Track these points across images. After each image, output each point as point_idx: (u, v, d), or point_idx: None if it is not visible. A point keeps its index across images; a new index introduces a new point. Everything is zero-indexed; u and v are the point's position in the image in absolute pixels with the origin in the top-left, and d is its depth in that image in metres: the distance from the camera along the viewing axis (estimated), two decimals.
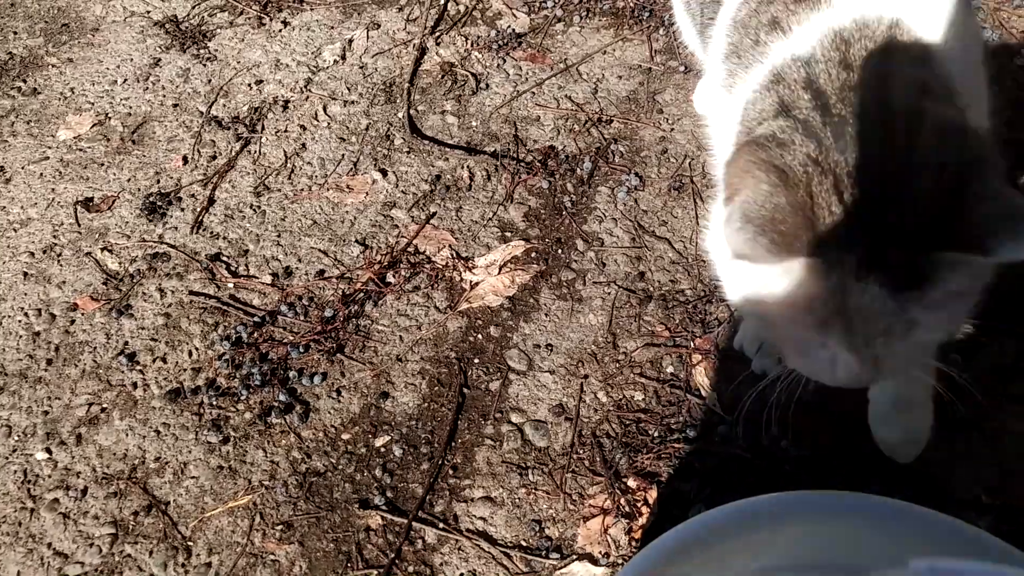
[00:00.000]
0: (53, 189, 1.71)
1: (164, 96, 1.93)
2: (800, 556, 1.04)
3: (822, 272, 0.82)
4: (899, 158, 0.81)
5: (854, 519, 1.05)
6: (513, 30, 2.04)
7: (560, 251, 1.59)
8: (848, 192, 0.81)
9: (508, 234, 1.62)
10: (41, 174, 1.74)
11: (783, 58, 0.95)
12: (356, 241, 1.62)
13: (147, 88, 1.94)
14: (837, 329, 0.84)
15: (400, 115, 1.85)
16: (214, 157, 1.78)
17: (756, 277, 0.90)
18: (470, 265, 1.57)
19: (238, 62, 2.00)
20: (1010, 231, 0.76)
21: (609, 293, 1.51)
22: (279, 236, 1.63)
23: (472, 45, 2.01)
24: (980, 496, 1.20)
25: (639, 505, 1.24)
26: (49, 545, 1.24)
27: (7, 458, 1.33)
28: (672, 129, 1.79)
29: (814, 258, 0.82)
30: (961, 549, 0.98)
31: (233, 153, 1.78)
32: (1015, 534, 1.15)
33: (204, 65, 2.00)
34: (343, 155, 1.77)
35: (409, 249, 1.60)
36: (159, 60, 2.01)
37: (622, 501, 1.25)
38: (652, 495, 1.25)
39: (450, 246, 1.60)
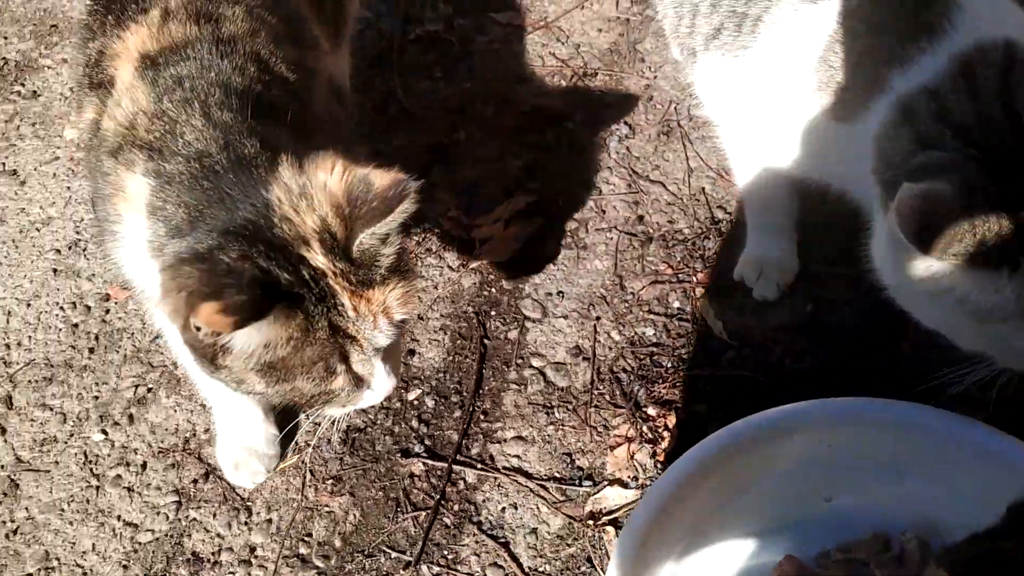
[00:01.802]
0: (68, 187, 1.77)
1: None
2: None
3: None
4: None
5: (860, 424, 1.15)
6: None
7: (561, 202, 1.67)
8: None
9: (510, 190, 1.70)
10: (54, 174, 1.80)
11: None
12: None
13: None
14: None
15: (392, 84, 1.91)
16: None
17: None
18: (477, 223, 1.65)
19: None
20: None
21: (611, 238, 1.60)
22: None
23: (455, 11, 2.07)
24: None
25: (660, 431, 1.35)
26: (118, 517, 1.33)
27: (66, 443, 1.41)
28: (655, 76, 1.86)
29: None
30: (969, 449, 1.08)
31: None
32: None
33: None
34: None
35: (416, 216, 1.67)
36: None
37: (644, 428, 1.35)
38: (671, 420, 1.35)
39: (455, 207, 1.68)
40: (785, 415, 1.15)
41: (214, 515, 1.33)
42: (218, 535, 1.31)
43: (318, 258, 0.91)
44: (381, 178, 0.94)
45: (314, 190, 0.93)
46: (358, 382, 0.98)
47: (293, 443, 1.39)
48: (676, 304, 1.49)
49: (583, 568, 1.25)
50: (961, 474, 1.09)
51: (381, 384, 0.99)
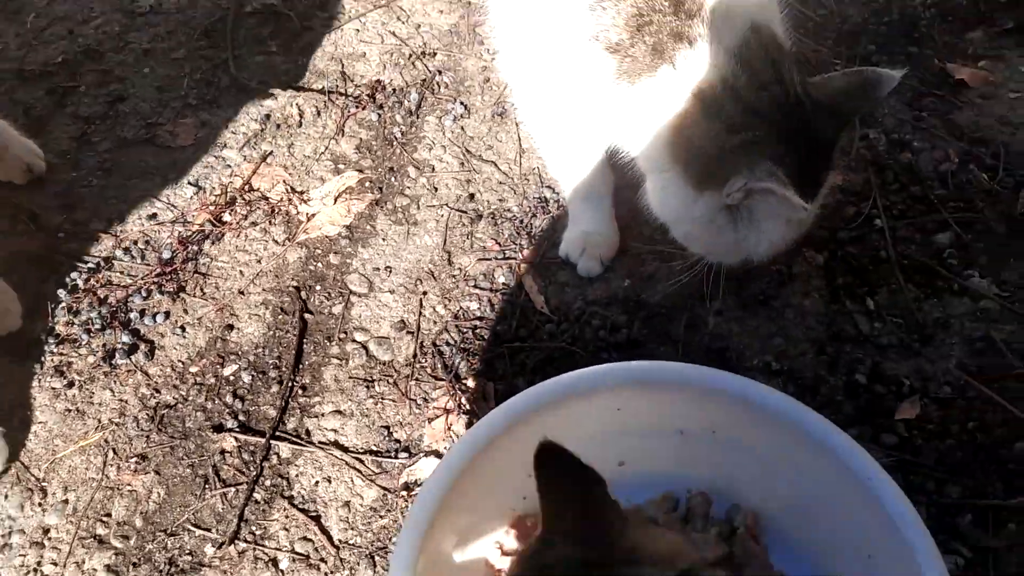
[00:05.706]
0: None
1: None
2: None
3: None
4: None
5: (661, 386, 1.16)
6: None
7: (393, 179, 1.66)
8: None
9: (341, 166, 1.67)
10: None
11: None
12: (189, 183, 1.63)
13: None
14: None
15: (224, 57, 1.85)
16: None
17: None
18: (305, 198, 1.62)
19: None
20: None
21: (442, 215, 1.60)
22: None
23: None
24: (770, 363, 1.37)
25: (478, 402, 1.35)
26: None
27: None
28: (493, 59, 1.87)
29: None
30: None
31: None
32: (798, 394, 1.32)
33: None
34: (168, 101, 1.77)
35: (243, 187, 1.63)
36: None
37: (463, 400, 1.35)
38: (490, 391, 1.36)
39: (284, 181, 1.64)
40: (574, 379, 1.12)
41: (5, 496, 1.25)
42: (9, 517, 1.23)
43: None
44: None
45: None
46: None
47: (95, 421, 1.32)
48: (501, 280, 1.50)
49: (395, 538, 1.24)
50: (756, 437, 1.11)
51: None
